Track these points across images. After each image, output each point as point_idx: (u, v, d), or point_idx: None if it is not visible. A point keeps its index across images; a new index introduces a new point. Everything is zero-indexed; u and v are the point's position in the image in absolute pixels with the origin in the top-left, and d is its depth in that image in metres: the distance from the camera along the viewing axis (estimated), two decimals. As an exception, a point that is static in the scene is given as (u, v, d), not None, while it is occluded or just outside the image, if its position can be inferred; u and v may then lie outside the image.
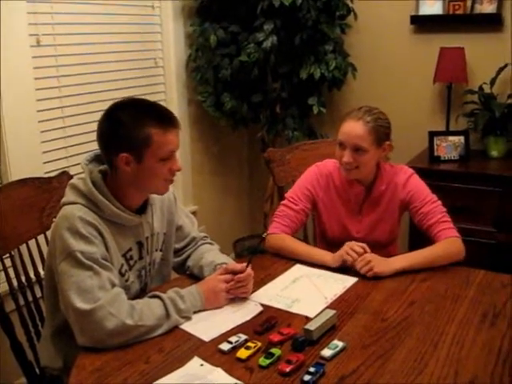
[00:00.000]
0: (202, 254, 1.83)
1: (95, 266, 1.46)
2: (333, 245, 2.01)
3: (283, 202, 2.10)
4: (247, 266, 1.65)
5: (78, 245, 1.46)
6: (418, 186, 2.01)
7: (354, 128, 1.90)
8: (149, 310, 1.48)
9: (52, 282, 1.57)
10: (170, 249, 1.83)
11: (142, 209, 1.66)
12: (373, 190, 2.03)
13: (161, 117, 1.54)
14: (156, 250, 1.74)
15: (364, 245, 1.84)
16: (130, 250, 1.63)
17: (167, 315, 1.50)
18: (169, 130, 1.53)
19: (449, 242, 1.90)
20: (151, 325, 1.46)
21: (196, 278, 1.77)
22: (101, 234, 1.51)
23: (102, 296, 1.43)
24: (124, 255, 1.61)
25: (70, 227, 1.47)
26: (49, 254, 1.60)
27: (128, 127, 1.50)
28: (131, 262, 1.64)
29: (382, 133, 1.93)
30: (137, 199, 1.62)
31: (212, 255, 1.81)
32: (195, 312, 1.57)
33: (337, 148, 1.96)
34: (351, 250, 1.83)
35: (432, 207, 1.96)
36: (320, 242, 2.21)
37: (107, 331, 1.41)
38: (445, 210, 1.97)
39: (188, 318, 1.54)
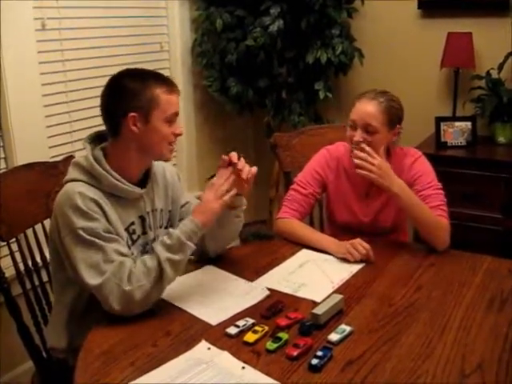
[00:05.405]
0: None
1: (98, 240, 1.48)
2: (341, 228, 2.01)
3: (292, 186, 2.09)
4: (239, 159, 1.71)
5: (78, 222, 1.48)
6: (425, 169, 1.99)
7: (366, 106, 1.89)
8: (144, 267, 1.49)
9: (58, 258, 1.59)
10: (174, 227, 1.83)
11: (143, 184, 1.67)
12: None
13: (164, 78, 1.60)
14: (160, 227, 1.75)
15: (368, 246, 1.79)
16: (133, 223, 1.64)
17: (160, 262, 1.48)
18: (173, 90, 1.58)
19: (441, 224, 1.87)
20: (150, 280, 1.46)
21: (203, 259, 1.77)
22: (102, 208, 1.52)
23: (107, 268, 1.46)
24: (127, 229, 1.62)
25: (70, 204, 1.50)
26: (51, 230, 1.62)
27: (135, 88, 1.54)
28: (134, 237, 1.65)
29: (394, 115, 1.91)
30: (137, 169, 1.63)
31: None
32: (202, 296, 1.57)
33: (348, 129, 1.94)
34: (354, 249, 1.79)
35: (433, 193, 1.93)
36: (328, 225, 2.20)
37: (118, 302, 1.44)
38: (445, 200, 1.94)
39: (189, 247, 1.53)
